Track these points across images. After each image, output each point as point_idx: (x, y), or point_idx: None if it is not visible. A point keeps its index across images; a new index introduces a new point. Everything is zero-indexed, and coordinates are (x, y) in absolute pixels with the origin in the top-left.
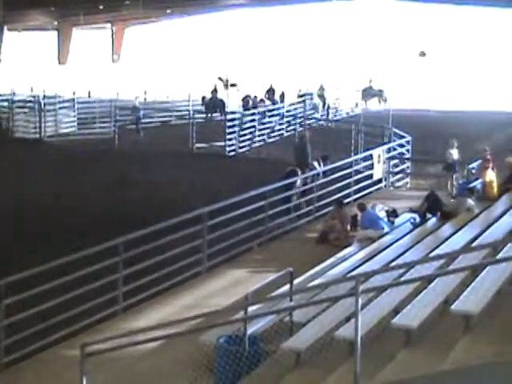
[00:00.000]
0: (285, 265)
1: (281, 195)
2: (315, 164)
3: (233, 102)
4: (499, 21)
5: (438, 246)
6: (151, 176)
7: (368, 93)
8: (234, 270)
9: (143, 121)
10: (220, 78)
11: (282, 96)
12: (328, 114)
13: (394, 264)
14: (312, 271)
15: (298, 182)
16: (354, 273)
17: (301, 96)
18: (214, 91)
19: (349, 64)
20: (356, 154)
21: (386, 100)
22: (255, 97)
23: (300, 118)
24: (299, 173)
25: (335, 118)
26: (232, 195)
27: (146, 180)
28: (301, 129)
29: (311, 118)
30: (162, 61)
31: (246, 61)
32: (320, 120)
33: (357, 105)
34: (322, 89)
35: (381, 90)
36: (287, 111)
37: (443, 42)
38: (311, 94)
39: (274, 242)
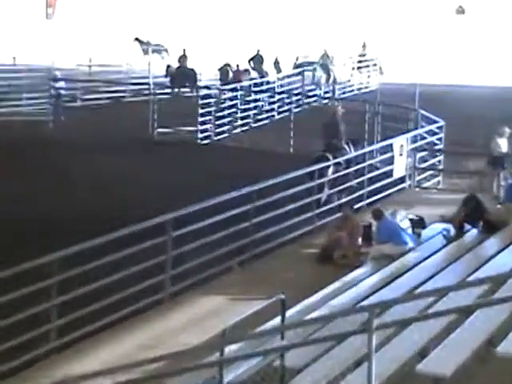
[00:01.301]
0: (275, 290)
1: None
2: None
3: (207, 73)
4: None
5: (479, 268)
6: (98, 172)
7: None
8: (207, 297)
9: (87, 97)
10: (138, 40)
11: (277, 64)
12: (334, 90)
13: (419, 291)
14: (311, 299)
15: (330, 171)
16: (366, 302)
17: (298, 66)
18: (183, 58)
19: (358, 26)
20: (371, 143)
21: (382, 72)
22: (237, 66)
23: (296, 95)
24: (331, 158)
25: (343, 96)
26: (205, 197)
27: (91, 177)
28: (327, 102)
29: (312, 96)
30: (114, 18)
31: (224, 19)
32: (324, 98)
33: (369, 77)
34: (325, 57)
35: (363, 55)
36: (280, 86)
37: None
38: (312, 64)
39: (260, 259)
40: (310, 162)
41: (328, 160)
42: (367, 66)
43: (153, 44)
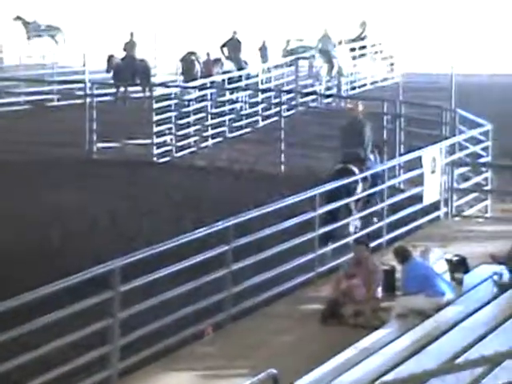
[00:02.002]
0: (264, 363)
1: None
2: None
3: (165, 66)
4: None
5: None
6: (12, 204)
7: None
8: (169, 375)
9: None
10: (20, 18)
11: (264, 51)
12: (340, 84)
13: (463, 359)
14: (314, 374)
15: (359, 188)
16: (391, 376)
17: (290, 53)
18: (130, 45)
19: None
20: (392, 157)
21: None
22: (207, 56)
23: (288, 92)
24: (357, 172)
25: (352, 92)
26: (163, 236)
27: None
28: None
29: (309, 94)
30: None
31: None
32: (326, 96)
33: (392, 66)
34: (326, 39)
35: (361, 38)
36: (265, 81)
37: None
38: (308, 50)
39: (242, 321)
40: (327, 178)
41: (353, 174)
42: (366, 54)
43: (42, 25)
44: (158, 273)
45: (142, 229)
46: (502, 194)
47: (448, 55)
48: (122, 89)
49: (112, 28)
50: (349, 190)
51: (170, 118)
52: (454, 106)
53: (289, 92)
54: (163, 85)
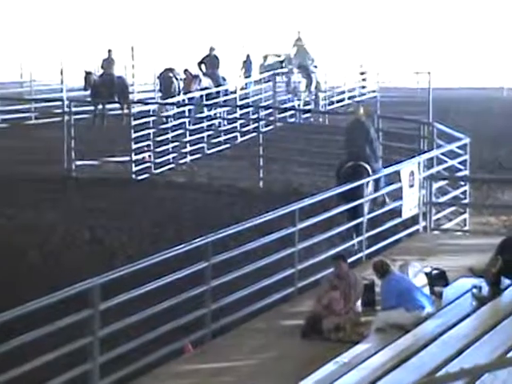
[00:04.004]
0: (245, 381)
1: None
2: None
3: (143, 83)
4: None
5: None
6: None
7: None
8: None
9: None
10: None
11: (248, 65)
12: (318, 99)
13: (443, 372)
14: None
15: (370, 188)
16: None
17: (267, 69)
18: (108, 62)
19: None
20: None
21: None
22: (185, 72)
23: (266, 108)
24: (369, 170)
25: (331, 107)
26: (141, 253)
27: None
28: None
29: (287, 109)
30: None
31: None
32: (305, 111)
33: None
34: (303, 54)
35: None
36: (244, 97)
37: None
38: (284, 63)
39: (222, 337)
40: (342, 174)
41: (367, 172)
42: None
43: None
44: (137, 290)
45: (121, 246)
46: (479, 208)
47: (426, 69)
48: (100, 106)
49: (89, 44)
50: (357, 191)
51: (149, 134)
52: (432, 120)
53: (267, 108)
54: (141, 102)
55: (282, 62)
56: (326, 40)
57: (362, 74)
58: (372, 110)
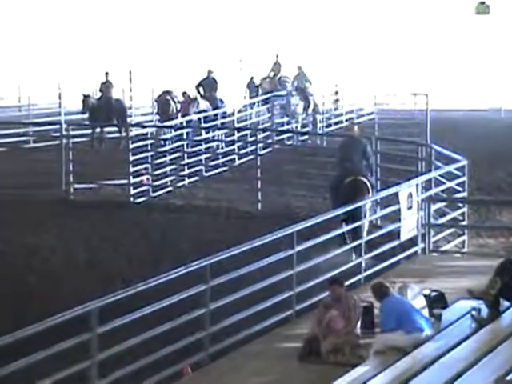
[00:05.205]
0: None
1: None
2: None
3: (141, 105)
4: None
5: None
6: None
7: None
8: None
9: None
10: None
11: (252, 86)
12: (316, 122)
13: None
14: None
15: (369, 205)
16: None
17: (265, 91)
18: (106, 85)
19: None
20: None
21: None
22: (183, 95)
23: (265, 131)
24: (368, 185)
25: (329, 129)
26: (138, 276)
27: None
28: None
29: (285, 131)
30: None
31: (162, 27)
32: (303, 134)
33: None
34: (301, 76)
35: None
36: (241, 120)
37: None
38: (285, 86)
39: (221, 360)
40: (343, 190)
41: (366, 187)
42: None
43: None
44: (136, 313)
45: (120, 269)
46: (478, 229)
47: (423, 91)
48: (98, 129)
49: (87, 67)
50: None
51: (147, 157)
52: (430, 142)
53: (264, 130)
54: (139, 125)
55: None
56: (322, 61)
57: (336, 93)
58: (364, 129)
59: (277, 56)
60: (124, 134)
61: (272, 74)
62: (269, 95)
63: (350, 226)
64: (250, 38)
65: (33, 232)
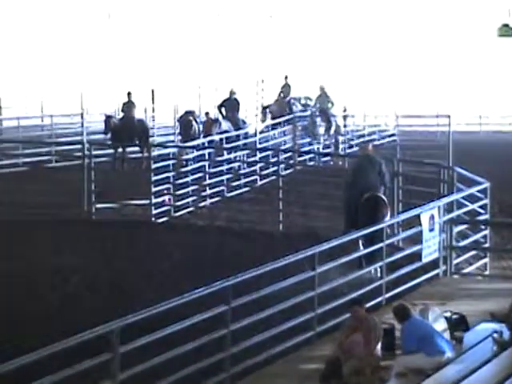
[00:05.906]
0: None
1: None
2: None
3: (163, 126)
4: None
5: None
6: (12, 265)
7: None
8: None
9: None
10: None
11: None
12: (338, 143)
13: None
14: None
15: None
16: None
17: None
18: (129, 105)
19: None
20: (390, 215)
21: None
22: (206, 115)
23: (287, 152)
24: (386, 200)
25: (350, 150)
26: (160, 297)
27: None
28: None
29: (307, 152)
30: (28, 48)
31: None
32: (325, 155)
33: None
34: (323, 97)
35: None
36: (263, 141)
37: None
38: (306, 108)
39: (242, 381)
40: (362, 207)
41: (384, 203)
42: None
43: None
44: (157, 333)
45: (141, 289)
46: (500, 252)
47: (445, 112)
48: (120, 149)
49: (110, 87)
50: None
51: (169, 177)
52: (452, 164)
53: (286, 151)
54: (161, 145)
55: (303, 105)
56: (344, 82)
57: (344, 110)
58: (386, 151)
59: (286, 77)
60: (146, 154)
61: (282, 96)
62: (277, 120)
63: (371, 249)
64: (271, 59)
65: (54, 251)
